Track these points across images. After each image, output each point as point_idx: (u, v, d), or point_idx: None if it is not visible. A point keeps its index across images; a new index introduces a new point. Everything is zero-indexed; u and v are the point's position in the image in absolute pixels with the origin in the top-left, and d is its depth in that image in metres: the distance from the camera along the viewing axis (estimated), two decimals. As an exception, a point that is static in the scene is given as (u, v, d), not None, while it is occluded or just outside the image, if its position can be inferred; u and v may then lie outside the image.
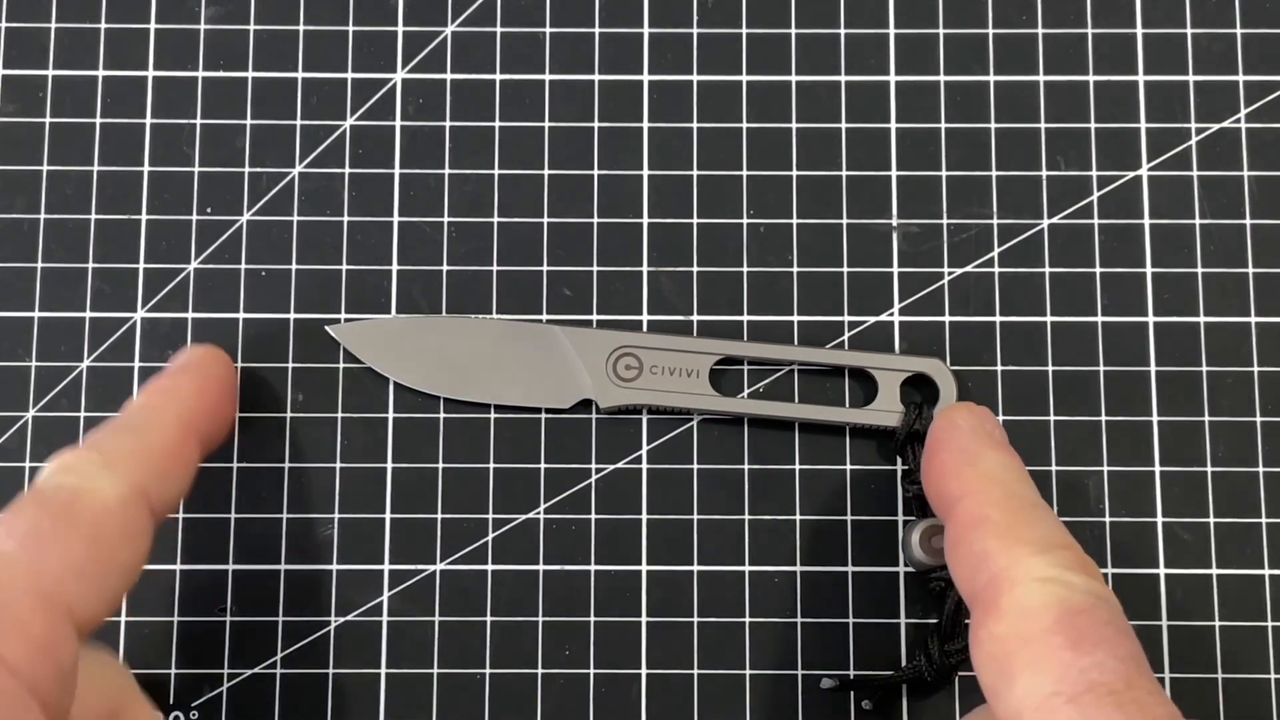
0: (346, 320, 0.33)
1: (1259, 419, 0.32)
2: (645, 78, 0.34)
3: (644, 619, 0.32)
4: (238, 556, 0.32)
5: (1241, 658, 0.31)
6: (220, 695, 0.31)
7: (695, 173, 0.33)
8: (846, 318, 0.33)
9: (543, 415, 0.32)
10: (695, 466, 0.32)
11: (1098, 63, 0.34)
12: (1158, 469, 0.32)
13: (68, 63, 0.34)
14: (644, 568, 0.32)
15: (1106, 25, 0.34)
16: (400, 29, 0.34)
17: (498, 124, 0.34)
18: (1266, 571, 0.32)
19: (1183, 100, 0.34)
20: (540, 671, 0.31)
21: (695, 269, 0.33)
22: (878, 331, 0.33)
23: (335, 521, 0.32)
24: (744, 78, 0.34)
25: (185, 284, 0.33)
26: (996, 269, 0.33)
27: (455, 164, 0.33)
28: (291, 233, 0.33)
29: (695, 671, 0.31)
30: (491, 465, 0.32)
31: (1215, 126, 0.33)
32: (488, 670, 0.31)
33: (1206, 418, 0.32)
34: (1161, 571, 0.32)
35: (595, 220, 0.33)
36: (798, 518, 0.32)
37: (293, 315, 0.33)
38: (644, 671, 0.31)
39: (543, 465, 0.32)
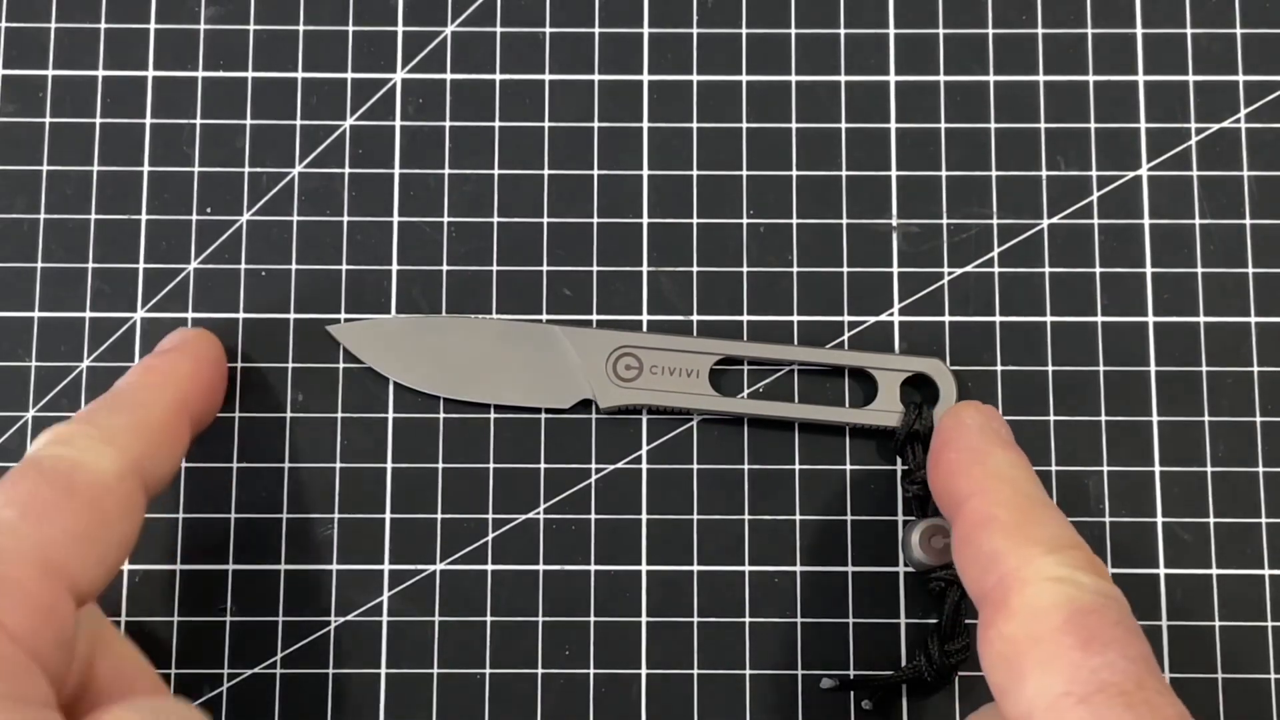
0: (346, 320, 0.33)
1: (1259, 419, 0.32)
2: (645, 78, 0.34)
3: (644, 619, 0.32)
4: (238, 556, 0.32)
5: (1241, 658, 0.31)
6: (220, 695, 0.31)
7: (695, 173, 0.33)
8: (846, 318, 0.33)
9: (543, 415, 0.32)
10: (695, 466, 0.32)
11: (1098, 63, 0.34)
12: (1158, 469, 0.32)
13: (68, 63, 0.34)
14: (644, 568, 0.32)
15: (1106, 25, 0.34)
16: (400, 29, 0.34)
17: (498, 124, 0.34)
18: (1266, 571, 0.32)
19: (1183, 100, 0.34)
20: (540, 671, 0.31)
21: (695, 269, 0.33)
22: (878, 331, 0.33)
23: (335, 521, 0.32)
24: (744, 78, 0.34)
25: (185, 284, 0.33)
26: (996, 269, 0.33)
27: (455, 164, 0.33)
28: (291, 233, 0.33)
29: (695, 671, 0.31)
30: (491, 465, 0.32)
31: (1215, 126, 0.33)
32: (488, 670, 0.31)
33: (1206, 418, 0.32)
34: (1161, 571, 0.32)
35: (595, 220, 0.33)
36: (798, 518, 0.32)
37: (293, 315, 0.33)
38: (644, 671, 0.31)
39: (543, 465, 0.32)
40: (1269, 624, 0.31)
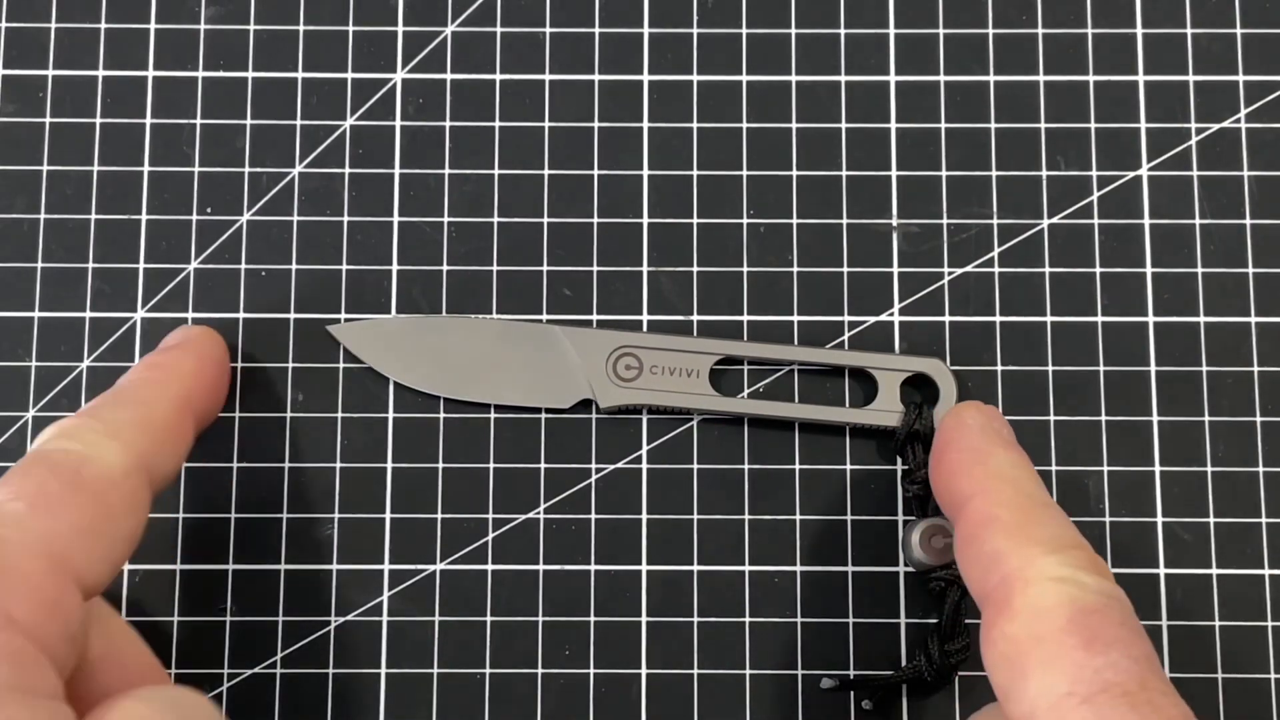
0: (346, 320, 0.33)
1: (1259, 419, 0.32)
2: (645, 78, 0.34)
3: (644, 619, 0.32)
4: (238, 556, 0.32)
5: (1241, 658, 0.31)
6: (220, 695, 0.31)
7: (695, 173, 0.33)
8: (846, 318, 0.33)
9: (543, 415, 0.32)
10: (695, 466, 0.32)
11: (1098, 63, 0.34)
12: (1158, 469, 0.32)
13: (68, 63, 0.34)
14: (644, 568, 0.32)
15: (1106, 25, 0.34)
16: (400, 29, 0.34)
17: (498, 124, 0.34)
18: (1266, 571, 0.32)
19: (1183, 100, 0.34)
20: (540, 671, 0.31)
21: (695, 269, 0.33)
22: (878, 331, 0.33)
23: (335, 521, 0.32)
24: (744, 78, 0.34)
25: (185, 284, 0.33)
26: (996, 269, 0.33)
27: (455, 164, 0.33)
28: (291, 233, 0.33)
29: (695, 671, 0.31)
30: (491, 465, 0.32)
31: (1215, 126, 0.33)
32: (488, 670, 0.31)
33: (1206, 418, 0.32)
34: (1161, 571, 0.32)
35: (595, 220, 0.33)
36: (798, 518, 0.32)
37: (293, 315, 0.33)
38: (644, 671, 0.31)
39: (543, 465, 0.32)
40: (1269, 624, 0.31)
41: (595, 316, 0.33)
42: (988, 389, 0.32)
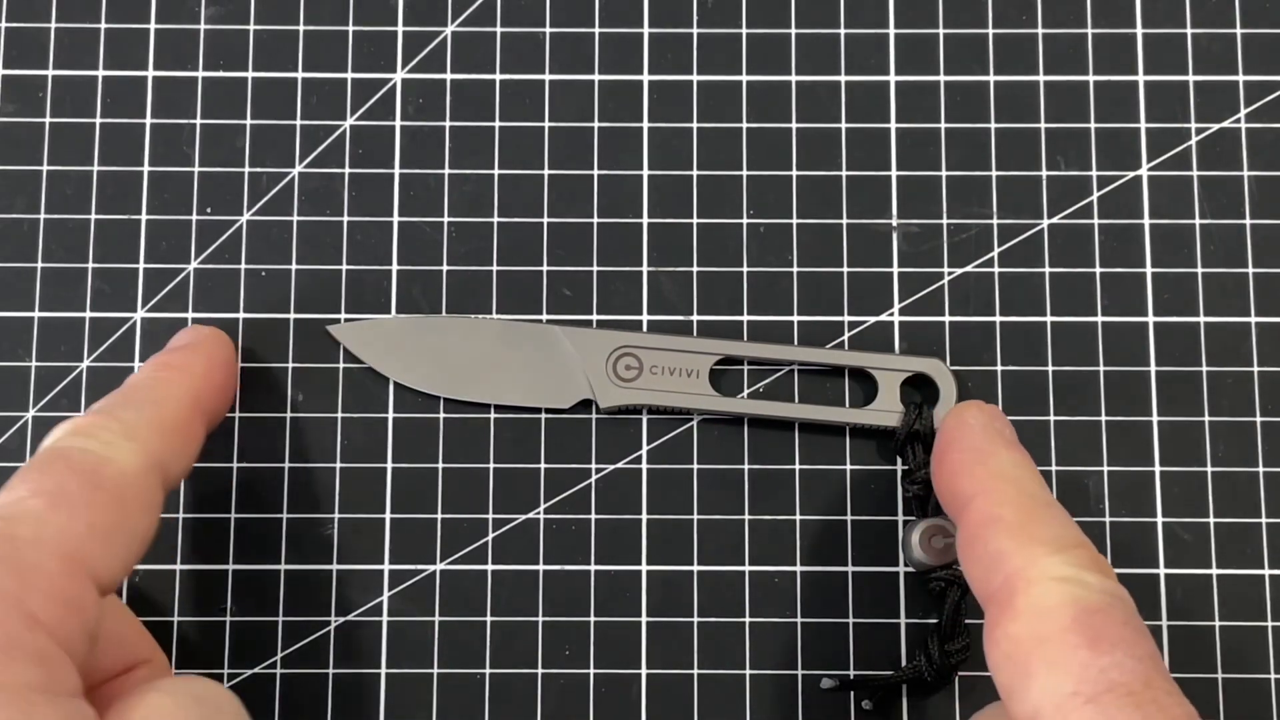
0: (346, 320, 0.33)
1: (1259, 419, 0.32)
2: (645, 78, 0.34)
3: (644, 619, 0.32)
4: (238, 556, 0.32)
5: (1241, 658, 0.31)
6: (220, 695, 0.31)
7: (695, 173, 0.33)
8: (846, 318, 0.33)
9: (543, 415, 0.32)
10: (695, 466, 0.32)
11: (1098, 63, 0.34)
12: (1158, 469, 0.32)
13: (68, 63, 0.34)
14: (644, 568, 0.32)
15: (1106, 25, 0.34)
16: (400, 29, 0.34)
17: (498, 124, 0.34)
18: (1266, 571, 0.32)
19: (1183, 100, 0.34)
20: (540, 671, 0.31)
21: (695, 269, 0.33)
22: (878, 331, 0.33)
23: (335, 521, 0.32)
24: (744, 78, 0.34)
25: (185, 284, 0.33)
26: (996, 269, 0.33)
27: (455, 164, 0.33)
28: (291, 233, 0.33)
29: (695, 671, 0.31)
30: (491, 465, 0.32)
31: (1215, 126, 0.33)
32: (488, 670, 0.31)
33: (1206, 418, 0.32)
34: (1161, 571, 0.32)
35: (595, 220, 0.33)
36: (798, 518, 0.32)
37: (293, 315, 0.33)
38: (644, 671, 0.31)
39: (543, 465, 0.32)
40: (1269, 624, 0.31)
41: (595, 316, 0.33)
42: (988, 389, 0.32)
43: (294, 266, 0.33)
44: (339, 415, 0.32)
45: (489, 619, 0.32)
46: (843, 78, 0.34)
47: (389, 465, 0.32)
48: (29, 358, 0.32)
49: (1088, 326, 0.33)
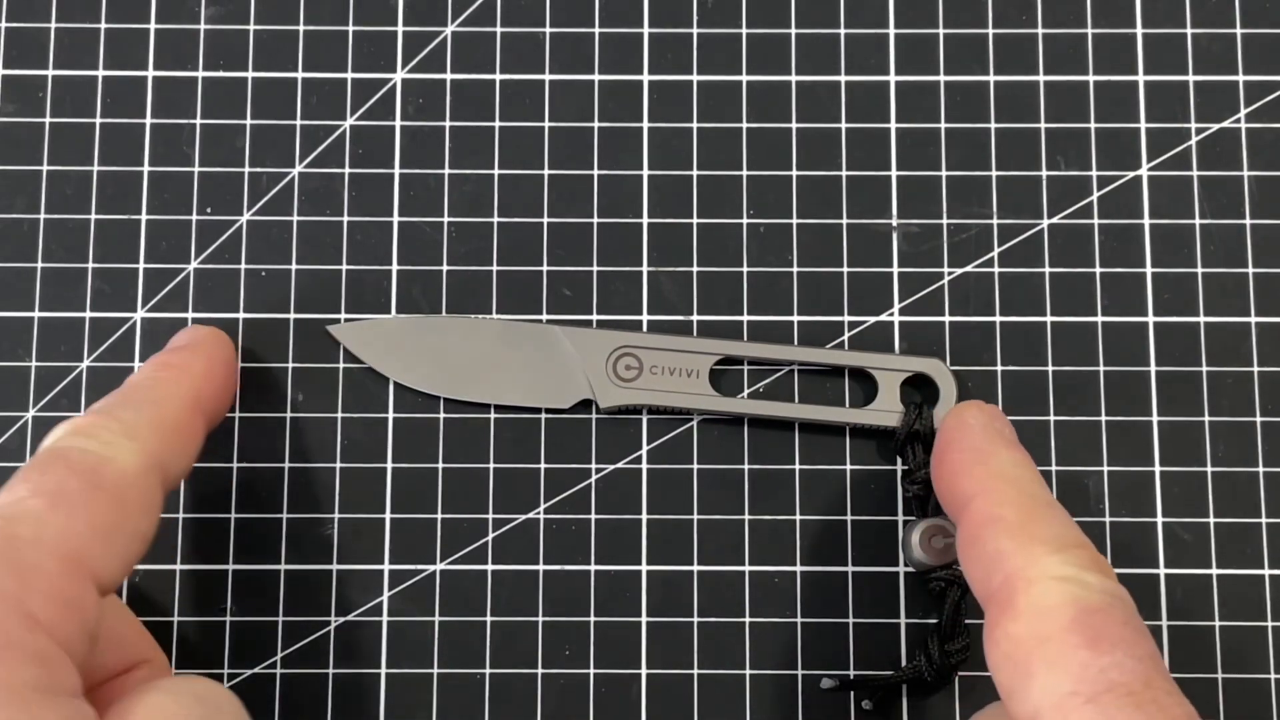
0: (346, 320, 0.33)
1: (1259, 419, 0.32)
2: (645, 78, 0.34)
3: (644, 619, 0.32)
4: (238, 556, 0.32)
5: (1241, 658, 0.31)
6: (220, 695, 0.31)
7: (695, 173, 0.33)
8: (846, 318, 0.33)
9: (543, 415, 0.32)
10: (695, 466, 0.32)
11: (1098, 63, 0.34)
12: (1158, 469, 0.32)
13: (68, 63, 0.34)
14: (644, 568, 0.32)
15: (1106, 25, 0.34)
16: (400, 29, 0.34)
17: (498, 124, 0.34)
18: (1266, 571, 0.32)
19: (1183, 100, 0.34)
20: (540, 671, 0.31)
21: (695, 269, 0.33)
22: (878, 331, 0.33)
23: (335, 521, 0.32)
24: (744, 78, 0.34)
25: (185, 284, 0.33)
26: (996, 269, 0.33)
27: (455, 164, 0.33)
28: (291, 233, 0.33)
29: (695, 671, 0.31)
30: (491, 465, 0.32)
31: (1215, 126, 0.33)
32: (488, 670, 0.31)
33: (1206, 418, 0.32)
34: (1161, 571, 0.32)
35: (595, 220, 0.33)
36: (798, 518, 0.32)
37: (293, 315, 0.33)
38: (644, 671, 0.31)
39: (543, 465, 0.32)
40: (1269, 624, 0.31)
41: (595, 316, 0.33)
42: (988, 389, 0.32)
43: (294, 266, 0.33)
44: (339, 415, 0.32)
45: (489, 619, 0.32)
46: (843, 78, 0.34)
47: (389, 465, 0.32)
48: (29, 358, 0.32)
49: (1088, 326, 0.33)
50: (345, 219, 0.33)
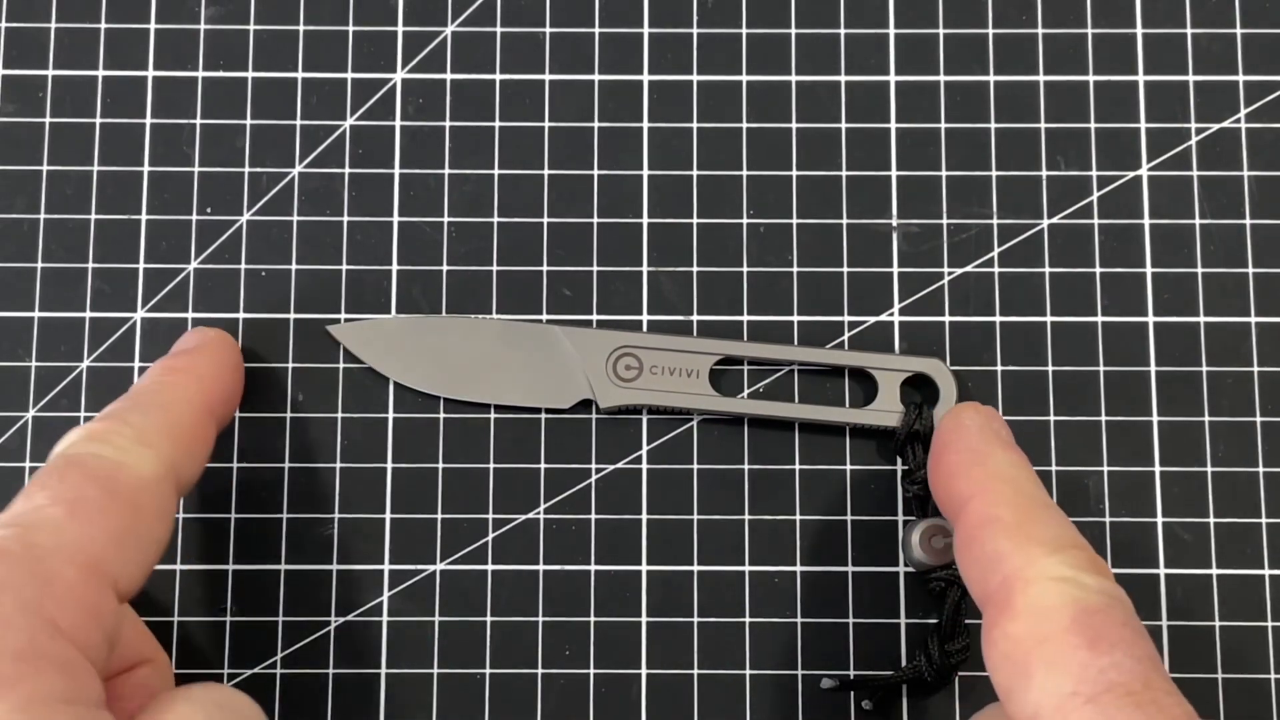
0: (346, 320, 0.33)
1: (1259, 419, 0.32)
2: (645, 78, 0.34)
3: (644, 619, 0.32)
4: (238, 556, 0.32)
5: (1241, 658, 0.31)
6: (220, 695, 0.31)
7: (695, 173, 0.33)
8: (846, 318, 0.33)
9: (543, 415, 0.32)
10: (695, 466, 0.32)
11: (1098, 63, 0.34)
12: (1158, 469, 0.32)
13: (68, 63, 0.34)
14: (644, 568, 0.32)
15: (1106, 25, 0.34)
16: (400, 29, 0.34)
17: (498, 124, 0.34)
18: (1266, 571, 0.32)
19: (1183, 100, 0.34)
20: (540, 671, 0.31)
21: (695, 269, 0.33)
22: (878, 331, 0.33)
23: (335, 521, 0.32)
24: (744, 78, 0.34)
25: (185, 284, 0.33)
26: (996, 269, 0.33)
27: (455, 164, 0.33)
28: (291, 233, 0.33)
29: (695, 671, 0.31)
30: (491, 465, 0.32)
31: (1215, 126, 0.33)
32: (488, 670, 0.31)
33: (1206, 418, 0.32)
34: (1161, 571, 0.32)
35: (595, 220, 0.33)
36: (798, 518, 0.32)
37: (293, 315, 0.33)
38: (644, 671, 0.31)
39: (543, 465, 0.32)
40: (1269, 624, 0.31)
41: (595, 316, 0.33)
42: (988, 389, 0.32)
43: (294, 266, 0.33)
44: (339, 415, 0.32)
45: (489, 619, 0.32)
46: (843, 78, 0.34)
47: (389, 465, 0.32)
48: (29, 358, 0.32)
49: (1088, 326, 0.33)
50: (345, 219, 0.33)
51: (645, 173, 0.33)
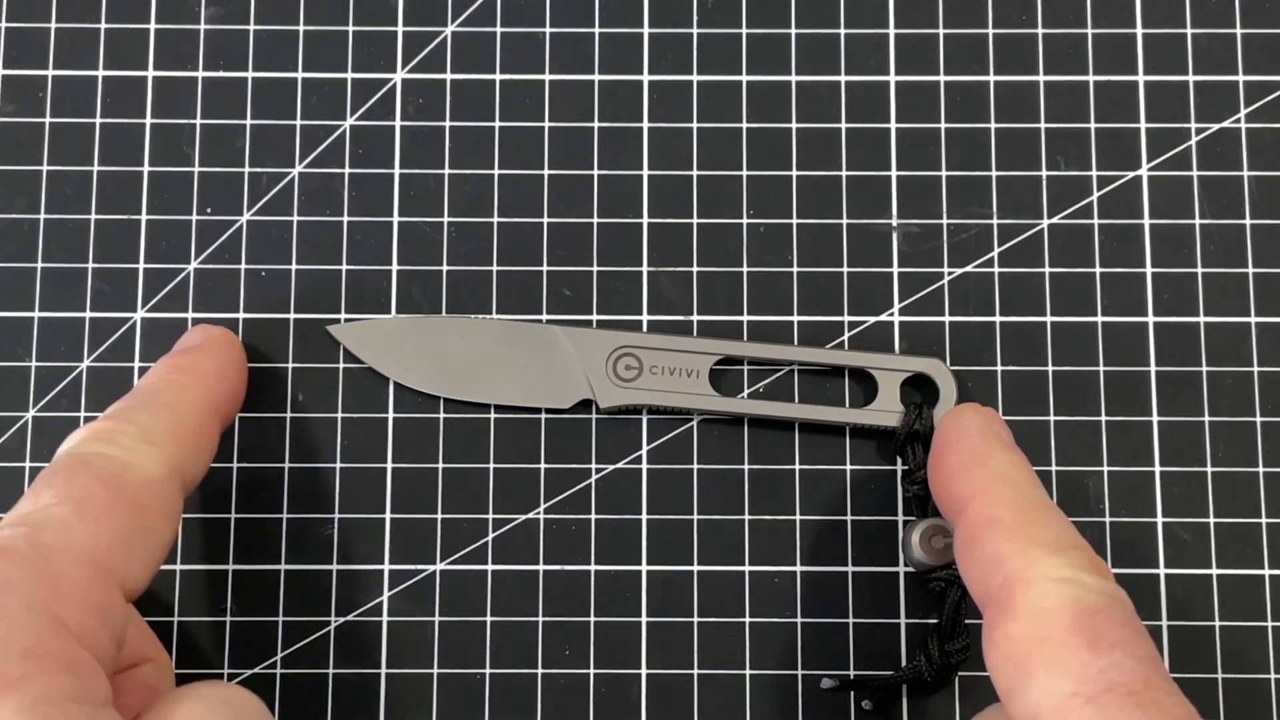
0: (346, 320, 0.33)
1: (1259, 419, 0.32)
2: (645, 78, 0.34)
3: (644, 619, 0.32)
4: (238, 556, 0.32)
5: (1241, 658, 0.31)
6: (220, 695, 0.31)
7: (695, 173, 0.33)
8: (846, 318, 0.33)
9: (543, 415, 0.32)
10: (695, 466, 0.32)
11: (1098, 63, 0.34)
12: (1158, 469, 0.32)
13: (68, 63, 0.34)
14: (644, 568, 0.32)
15: (1106, 25, 0.34)
16: (400, 29, 0.34)
17: (498, 124, 0.34)
18: (1266, 571, 0.32)
19: (1183, 100, 0.34)
20: (540, 671, 0.31)
21: (695, 269, 0.33)
22: (878, 331, 0.33)
23: (335, 521, 0.32)
24: (744, 78, 0.34)
25: (185, 284, 0.33)
26: (996, 269, 0.33)
27: (455, 164, 0.33)
28: (291, 233, 0.33)
29: (695, 671, 0.31)
30: (491, 465, 0.32)
31: (1215, 126, 0.33)
32: (488, 670, 0.31)
33: (1206, 418, 0.32)
34: (1161, 571, 0.32)
35: (595, 220, 0.33)
36: (798, 518, 0.32)
37: (293, 315, 0.33)
38: (644, 671, 0.31)
39: (543, 465, 0.32)
40: (1269, 624, 0.31)
41: (595, 316, 0.33)
42: (988, 389, 0.32)
43: (294, 266, 0.33)
44: (339, 415, 0.32)
45: (489, 619, 0.32)
46: (843, 78, 0.34)
47: (389, 465, 0.32)
48: (29, 358, 0.32)
49: (1088, 326, 0.33)
50: (345, 219, 0.33)
51: (645, 173, 0.33)
